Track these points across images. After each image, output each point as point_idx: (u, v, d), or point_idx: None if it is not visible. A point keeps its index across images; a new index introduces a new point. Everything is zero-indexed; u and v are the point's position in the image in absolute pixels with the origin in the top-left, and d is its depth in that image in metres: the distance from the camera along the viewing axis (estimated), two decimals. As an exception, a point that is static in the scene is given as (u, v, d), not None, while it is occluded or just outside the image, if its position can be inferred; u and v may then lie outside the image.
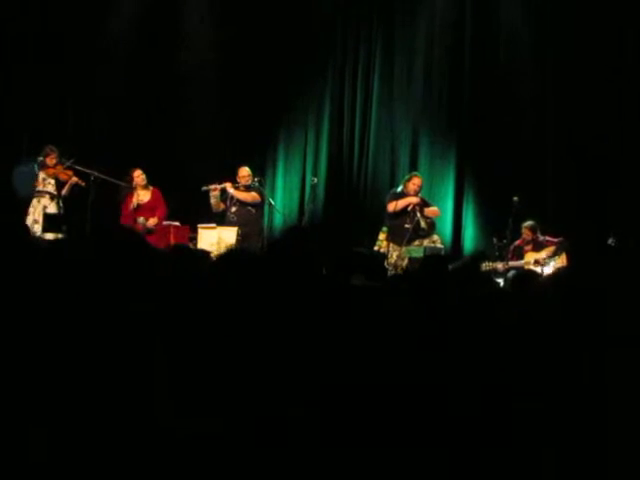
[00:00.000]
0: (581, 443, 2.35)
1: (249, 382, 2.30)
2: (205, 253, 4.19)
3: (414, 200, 9.06)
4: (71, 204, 9.16)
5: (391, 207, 9.04)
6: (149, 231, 9.09)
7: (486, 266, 8.75)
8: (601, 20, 9.62)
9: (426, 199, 9.36)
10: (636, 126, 9.48)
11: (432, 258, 5.79)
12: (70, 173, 9.17)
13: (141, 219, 9.18)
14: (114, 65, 10.67)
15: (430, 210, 9.23)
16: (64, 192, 9.13)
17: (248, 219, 9.36)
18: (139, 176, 9.32)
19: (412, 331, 3.06)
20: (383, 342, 2.75)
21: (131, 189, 9.30)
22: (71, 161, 9.06)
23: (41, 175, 9.13)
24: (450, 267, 4.62)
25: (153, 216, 9.26)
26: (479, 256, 9.05)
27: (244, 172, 9.50)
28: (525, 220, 8.94)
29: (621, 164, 9.52)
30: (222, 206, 9.42)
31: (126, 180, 9.32)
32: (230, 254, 2.77)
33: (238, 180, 9.48)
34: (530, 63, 10.20)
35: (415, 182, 9.18)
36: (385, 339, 2.82)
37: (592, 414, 2.39)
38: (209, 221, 9.35)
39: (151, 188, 9.40)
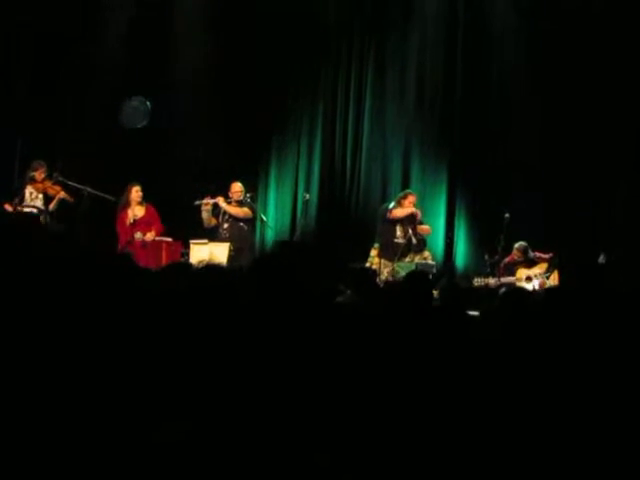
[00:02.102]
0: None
1: (239, 391, 2.29)
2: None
3: (415, 211, 9.17)
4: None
5: (398, 212, 9.09)
6: (146, 245, 9.07)
7: (478, 282, 8.77)
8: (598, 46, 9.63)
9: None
10: (630, 137, 9.48)
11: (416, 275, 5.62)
12: (58, 188, 9.15)
13: (138, 234, 9.11)
14: (106, 77, 10.67)
15: (422, 228, 9.31)
16: (51, 207, 9.11)
17: (240, 235, 9.36)
18: (137, 192, 9.26)
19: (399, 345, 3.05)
20: (366, 358, 2.75)
21: (124, 204, 9.25)
22: (59, 176, 9.05)
23: (29, 190, 9.11)
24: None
25: (150, 230, 9.19)
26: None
27: (236, 187, 9.50)
28: (516, 237, 8.95)
29: (614, 180, 9.53)
30: (214, 221, 9.41)
31: (123, 194, 9.26)
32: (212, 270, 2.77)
33: (230, 195, 9.47)
34: (523, 79, 10.20)
35: (411, 200, 9.30)
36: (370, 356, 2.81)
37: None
38: (201, 237, 9.34)
39: (145, 204, 9.35)
